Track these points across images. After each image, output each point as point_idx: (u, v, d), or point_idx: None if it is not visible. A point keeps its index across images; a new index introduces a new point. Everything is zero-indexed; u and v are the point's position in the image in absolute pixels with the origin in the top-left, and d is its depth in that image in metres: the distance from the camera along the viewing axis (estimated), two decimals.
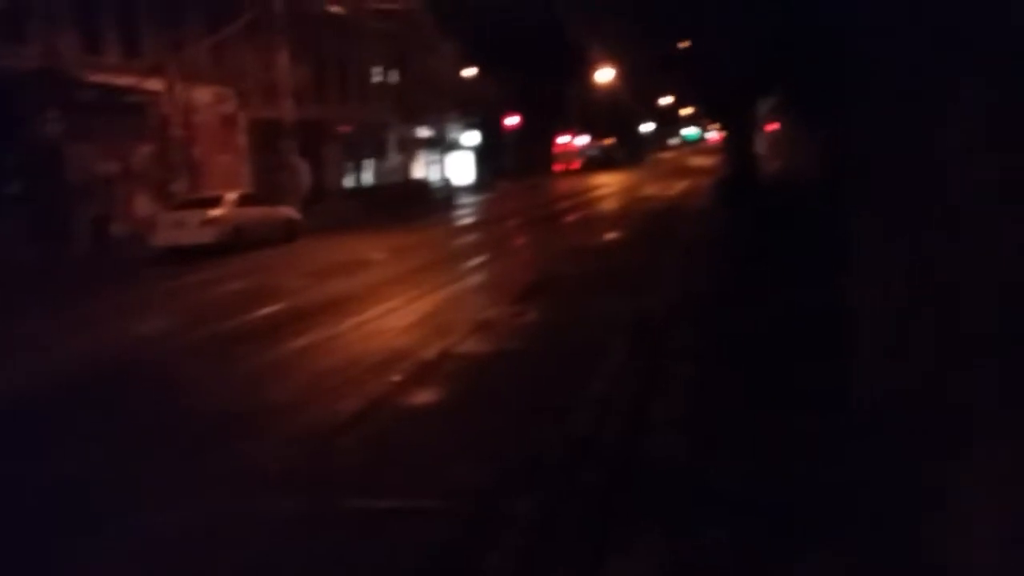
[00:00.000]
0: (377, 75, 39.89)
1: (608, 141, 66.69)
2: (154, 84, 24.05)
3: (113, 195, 23.29)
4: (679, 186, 34.59)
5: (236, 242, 18.51)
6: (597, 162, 60.65)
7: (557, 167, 59.63)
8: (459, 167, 48.41)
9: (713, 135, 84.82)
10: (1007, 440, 1.96)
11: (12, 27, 20.30)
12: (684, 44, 23.67)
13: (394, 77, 41.31)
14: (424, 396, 6.79)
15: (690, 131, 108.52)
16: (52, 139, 20.82)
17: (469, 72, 46.45)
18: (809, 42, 11.14)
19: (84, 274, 17.45)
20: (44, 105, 20.59)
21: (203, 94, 26.49)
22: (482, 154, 51.11)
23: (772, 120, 30.23)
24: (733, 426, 5.22)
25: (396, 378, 7.15)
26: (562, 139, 62.68)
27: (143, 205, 24.18)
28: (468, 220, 27.00)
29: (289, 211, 21.88)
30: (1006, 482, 1.97)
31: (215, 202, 19.35)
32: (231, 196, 20.02)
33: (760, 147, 25.91)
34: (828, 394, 4.47)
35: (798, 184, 18.48)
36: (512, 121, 52.71)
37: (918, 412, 2.26)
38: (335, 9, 32.61)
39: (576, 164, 60.67)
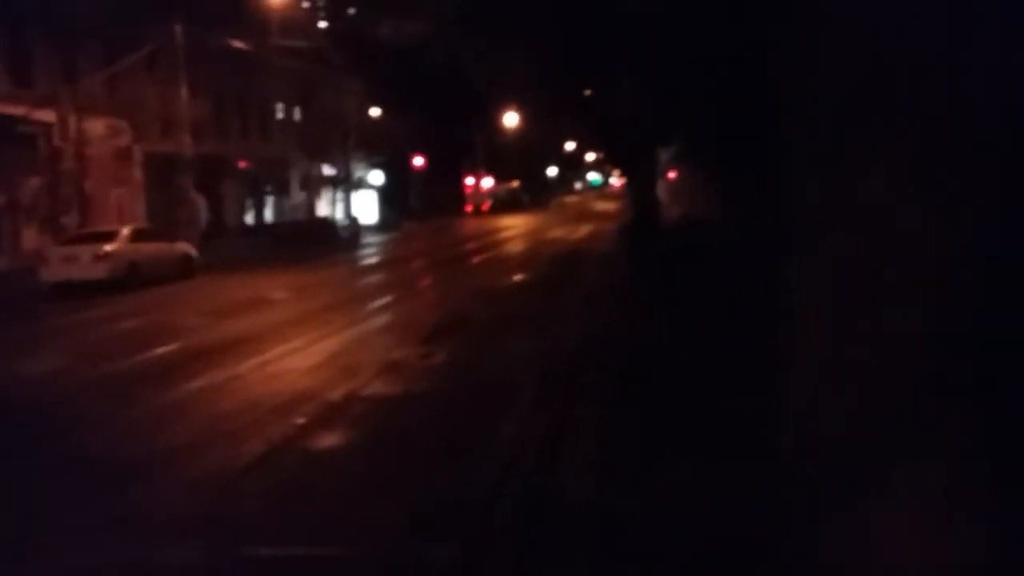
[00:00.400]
0: (281, 111, 39.41)
1: (514, 184, 67.48)
2: (46, 115, 23.13)
3: (0, 228, 22.16)
4: (584, 230, 35.20)
5: (130, 278, 17.84)
6: (505, 204, 61.45)
7: (468, 207, 60.26)
8: (365, 206, 48.07)
9: (616, 181, 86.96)
10: (931, 489, 2.04)
11: None
12: (587, 92, 24.27)
13: (298, 114, 40.89)
14: (330, 439, 6.63)
15: (594, 176, 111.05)
16: None
17: (375, 111, 46.41)
18: (710, 93, 11.60)
19: None
20: None
21: (97, 126, 25.54)
22: (388, 194, 50.93)
23: (672, 168, 31.26)
24: (646, 470, 5.26)
25: (300, 421, 6.96)
26: (470, 180, 63.37)
27: (32, 239, 23.08)
28: (373, 260, 26.77)
29: (186, 247, 21.24)
30: (927, 531, 2.05)
31: (109, 237, 18.63)
32: (125, 231, 19.32)
33: (661, 194, 26.72)
34: (742, 437, 4.58)
35: (698, 230, 19.11)
36: (418, 161, 52.81)
37: (843, 458, 2.32)
38: (238, 44, 32.15)
39: (486, 205, 61.44)
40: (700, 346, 8.06)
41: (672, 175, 32.98)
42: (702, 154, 18.13)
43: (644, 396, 6.97)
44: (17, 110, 22.02)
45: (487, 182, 65.78)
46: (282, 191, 39.77)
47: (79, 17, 24.01)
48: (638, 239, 20.81)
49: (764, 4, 5.89)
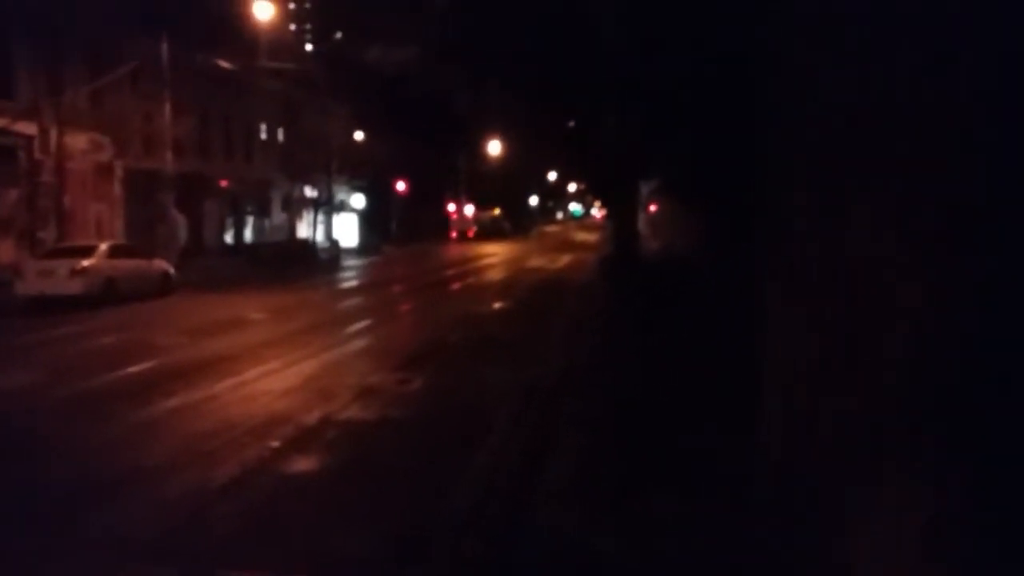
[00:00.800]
0: (264, 132, 39.42)
1: (496, 212, 67.84)
2: (27, 127, 23.01)
3: None
4: (564, 259, 35.34)
5: (107, 294, 17.67)
6: (487, 231, 62.19)
7: (452, 234, 60.69)
8: (346, 229, 48.00)
9: (597, 212, 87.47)
10: (904, 520, 2.08)
11: None
12: (571, 123, 24.50)
13: (282, 135, 40.91)
14: (304, 463, 6.60)
15: (576, 207, 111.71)
16: None
17: (359, 135, 46.50)
18: (689, 129, 11.76)
19: None
20: None
21: (78, 140, 25.44)
22: (369, 217, 50.92)
23: (653, 201, 31.52)
24: (621, 502, 5.28)
25: (275, 444, 6.94)
26: (452, 207, 63.77)
27: (8, 252, 22.85)
28: (353, 283, 26.70)
29: (164, 265, 21.10)
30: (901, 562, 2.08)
31: (86, 252, 18.45)
32: (103, 246, 19.16)
33: (642, 226, 26.92)
34: (721, 468, 4.61)
35: (678, 263, 19.27)
36: (400, 186, 52.89)
37: (817, 491, 2.36)
38: (224, 64, 32.19)
39: (472, 232, 62.14)
40: (676, 379, 8.12)
41: (653, 208, 33.27)
42: (682, 188, 18.33)
43: (620, 427, 7.00)
44: None
45: (470, 209, 66.19)
46: (263, 212, 39.69)
47: (64, 30, 23.97)
48: (618, 271, 20.93)
49: (746, 43, 6.02)
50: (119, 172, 27.79)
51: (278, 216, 41.04)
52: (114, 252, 19.10)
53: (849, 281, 2.29)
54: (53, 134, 23.76)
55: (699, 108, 10.51)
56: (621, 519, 4.91)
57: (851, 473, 2.27)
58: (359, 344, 13.03)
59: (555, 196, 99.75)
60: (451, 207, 64.11)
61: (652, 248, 26.33)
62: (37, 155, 23.66)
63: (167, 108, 26.10)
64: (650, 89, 12.60)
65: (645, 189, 26.79)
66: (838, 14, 2.44)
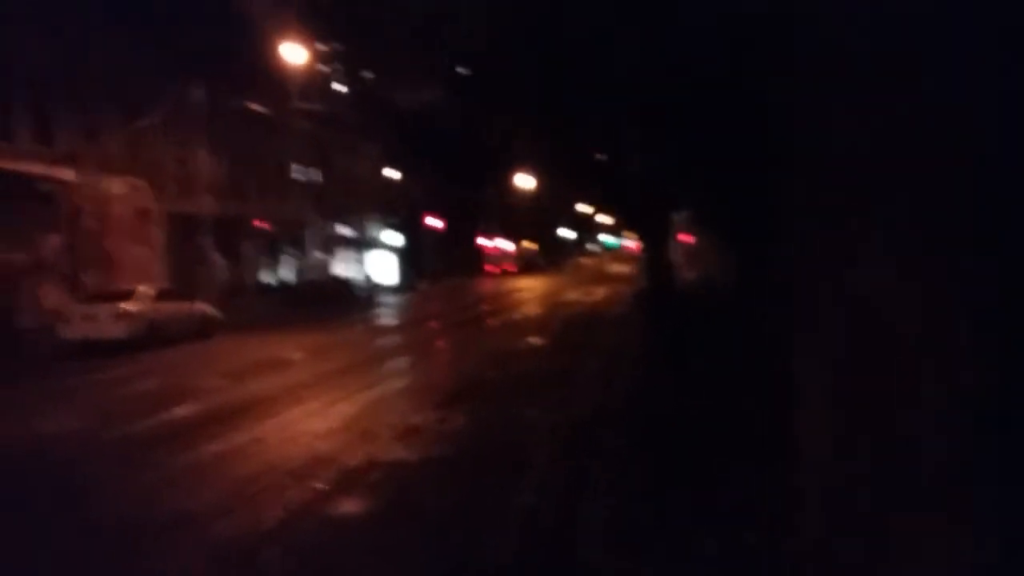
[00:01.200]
0: (298, 172, 40.06)
1: (532, 246, 68.36)
2: (66, 173, 23.58)
3: (20, 286, 22.41)
4: (599, 292, 35.30)
5: (150, 338, 17.95)
6: (525, 265, 63.52)
7: (490, 268, 61.35)
8: (380, 266, 48.44)
9: (631, 243, 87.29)
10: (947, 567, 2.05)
11: None
12: (600, 156, 24.60)
13: (315, 175, 41.53)
14: (348, 505, 6.62)
15: (609, 239, 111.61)
16: None
17: (391, 172, 47.07)
18: (721, 159, 11.76)
19: None
20: None
21: (118, 185, 26.02)
22: (403, 254, 51.35)
23: (687, 231, 31.43)
24: (661, 539, 5.24)
25: (318, 485, 6.97)
26: (489, 242, 64.47)
27: (52, 297, 23.32)
28: (390, 320, 26.87)
29: (205, 307, 21.41)
30: None
31: (129, 296, 18.80)
32: (145, 290, 19.52)
33: (676, 256, 26.82)
34: (766, 512, 4.56)
35: (714, 295, 19.13)
36: (433, 222, 53.35)
37: (848, 535, 2.34)
38: (257, 107, 32.86)
39: (511, 266, 63.13)
40: (713, 413, 8.04)
41: (687, 238, 33.17)
42: (715, 218, 18.27)
43: (660, 463, 6.95)
44: (37, 168, 22.45)
45: (506, 244, 66.93)
46: (299, 251, 40.18)
47: (100, 76, 24.61)
48: (653, 303, 20.84)
49: (773, 77, 6.03)
50: (158, 216, 28.34)
51: (314, 255, 41.52)
52: (156, 296, 19.44)
53: (871, 320, 2.28)
54: (92, 179, 24.35)
55: (726, 140, 10.52)
56: (661, 559, 4.87)
57: (888, 521, 2.24)
58: (398, 383, 13.09)
59: (588, 228, 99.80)
60: (483, 241, 64.61)
61: (687, 279, 26.18)
62: (77, 200, 24.23)
63: (203, 152, 26.65)
64: (678, 121, 12.64)
65: (677, 219, 26.71)
66: (849, 53, 2.45)
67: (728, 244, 17.14)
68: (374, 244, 48.50)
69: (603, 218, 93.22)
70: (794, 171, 2.78)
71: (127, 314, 17.89)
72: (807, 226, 2.73)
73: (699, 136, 12.00)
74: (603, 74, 13.18)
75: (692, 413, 8.43)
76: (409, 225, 51.32)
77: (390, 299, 36.76)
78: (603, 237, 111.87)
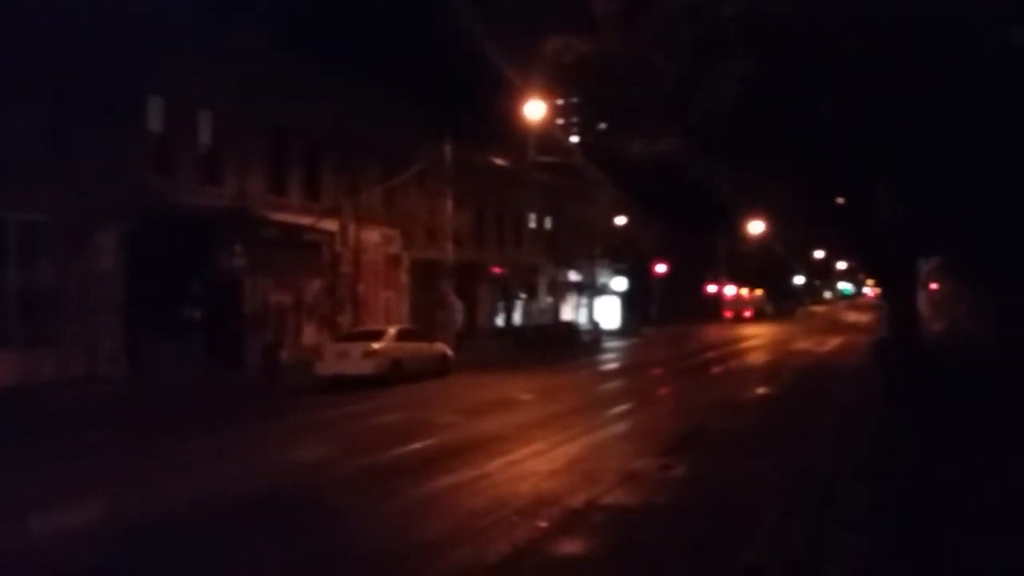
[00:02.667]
0: (533, 221, 41.60)
1: (758, 292, 66.63)
2: (330, 224, 26.11)
3: (284, 325, 24.99)
4: (833, 342, 33.49)
5: (394, 374, 19.29)
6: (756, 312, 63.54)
7: (728, 313, 61.53)
8: (607, 311, 48.90)
9: (870, 291, 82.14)
10: None
11: (210, 169, 22.77)
12: (840, 200, 23.55)
13: (548, 223, 42.92)
14: (571, 546, 6.83)
15: (845, 286, 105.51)
16: (235, 271, 22.78)
17: (621, 220, 47.61)
18: (977, 202, 10.97)
19: (252, 399, 18.57)
20: (231, 240, 22.68)
21: (372, 235, 28.51)
22: (630, 299, 51.52)
23: (934, 279, 29.18)
24: None
25: (543, 524, 7.22)
26: (720, 288, 64.11)
27: (311, 335, 25.79)
28: (614, 365, 27.06)
29: (444, 347, 22.72)
30: None
31: (377, 335, 20.38)
32: (392, 330, 21.06)
33: (922, 306, 24.95)
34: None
35: (966, 350, 17.62)
36: (660, 268, 53.17)
37: None
38: (499, 161, 34.64)
39: (749, 311, 63.22)
40: (960, 481, 7.45)
41: (934, 286, 30.76)
42: (968, 266, 16.90)
43: (895, 530, 6.56)
44: (305, 220, 25.07)
45: (744, 290, 66.49)
46: (531, 295, 41.58)
47: (362, 137, 27.14)
48: (895, 356, 19.49)
49: None
50: (406, 262, 30.63)
51: (544, 299, 42.78)
52: (400, 336, 20.91)
53: None
54: (351, 230, 26.83)
55: (986, 182, 9.85)
56: None
57: None
58: (621, 427, 13.22)
59: (822, 274, 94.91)
60: (712, 288, 63.72)
61: (934, 330, 24.26)
62: (337, 248, 26.75)
63: (448, 203, 28.51)
64: (931, 165, 11.97)
65: (925, 267, 24.89)
66: None
67: (984, 293, 15.80)
68: (602, 289, 49.12)
69: (841, 264, 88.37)
70: None
71: (375, 352, 19.37)
72: None
73: (956, 176, 11.31)
74: (847, 120, 12.77)
75: (934, 478, 7.87)
76: (637, 271, 51.51)
77: (615, 343, 36.98)
78: (840, 284, 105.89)
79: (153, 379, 18.91)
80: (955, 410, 10.67)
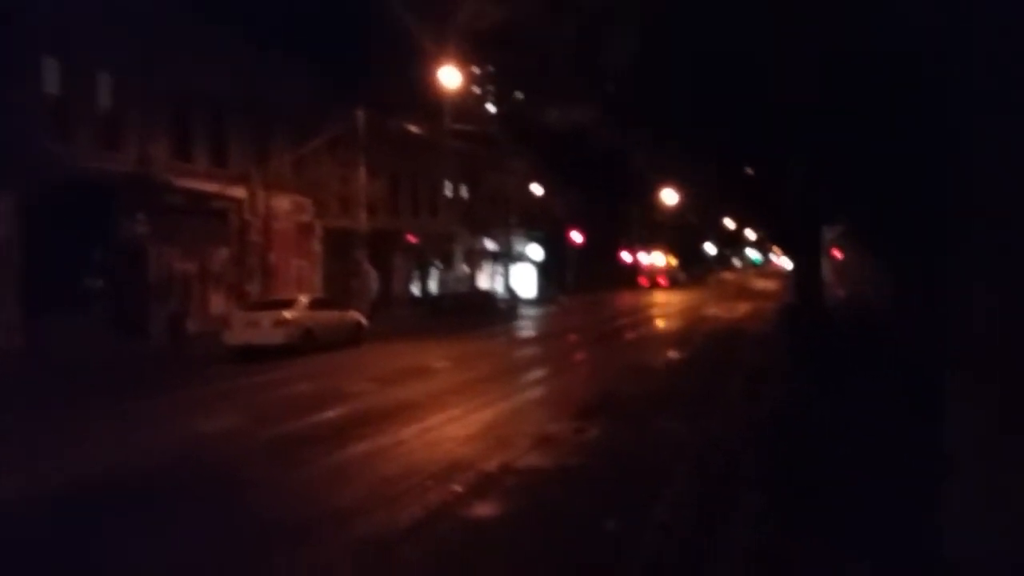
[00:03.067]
0: (448, 190, 41.31)
1: (671, 260, 68.09)
2: (237, 191, 25.34)
3: (190, 294, 24.25)
4: (742, 308, 34.43)
5: (306, 344, 18.96)
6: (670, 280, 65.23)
7: (643, 281, 62.53)
8: (523, 279, 49.12)
9: (777, 259, 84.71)
10: None
11: (110, 133, 21.78)
12: (749, 170, 24.08)
13: (464, 191, 42.69)
14: (485, 509, 6.82)
15: (754, 254, 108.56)
16: (138, 239, 21.93)
17: (536, 189, 47.73)
18: (878, 172, 11.29)
19: (158, 369, 18.01)
20: (134, 207, 21.79)
21: (283, 202, 27.79)
22: (546, 268, 51.85)
23: (838, 247, 30.20)
24: (802, 568, 5.12)
25: (457, 489, 7.21)
26: (635, 255, 65.24)
27: (218, 304, 25.09)
28: (530, 332, 27.22)
29: (357, 316, 22.42)
30: None
31: (288, 304, 19.96)
32: (303, 299, 20.66)
33: (826, 273, 25.79)
34: (905, 538, 4.40)
35: (865, 314, 18.30)
36: (576, 237, 53.62)
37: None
38: (413, 128, 34.18)
39: (664, 280, 64.58)
40: (862, 440, 7.72)
41: (838, 254, 31.88)
42: (870, 234, 17.50)
43: (799, 489, 6.75)
44: (212, 187, 24.27)
45: (658, 258, 67.81)
46: (446, 264, 41.40)
47: (271, 103, 26.36)
48: (800, 321, 20.14)
49: (937, 83, 5.81)
50: (318, 231, 30.01)
51: (460, 268, 42.67)
52: (313, 305, 20.53)
53: None
54: (260, 197, 26.09)
55: (888, 153, 10.11)
56: None
57: None
58: (535, 393, 13.30)
59: (732, 243, 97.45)
60: (627, 256, 64.71)
61: (837, 296, 25.15)
62: (246, 216, 26.00)
63: (362, 171, 28.00)
64: (837, 136, 12.24)
65: (829, 234, 25.71)
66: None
67: (884, 260, 16.38)
68: (518, 258, 49.27)
69: (750, 233, 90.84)
70: (964, 180, 2.71)
71: (286, 321, 18.98)
72: (971, 238, 2.64)
73: (858, 144, 11.59)
74: (756, 89, 12.96)
75: (835, 440, 8.13)
76: (552, 239, 51.81)
77: (531, 311, 37.19)
78: (749, 252, 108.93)
79: (54, 351, 18.09)
80: (855, 373, 11.06)
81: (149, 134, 22.84)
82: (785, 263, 64.89)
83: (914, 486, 5.28)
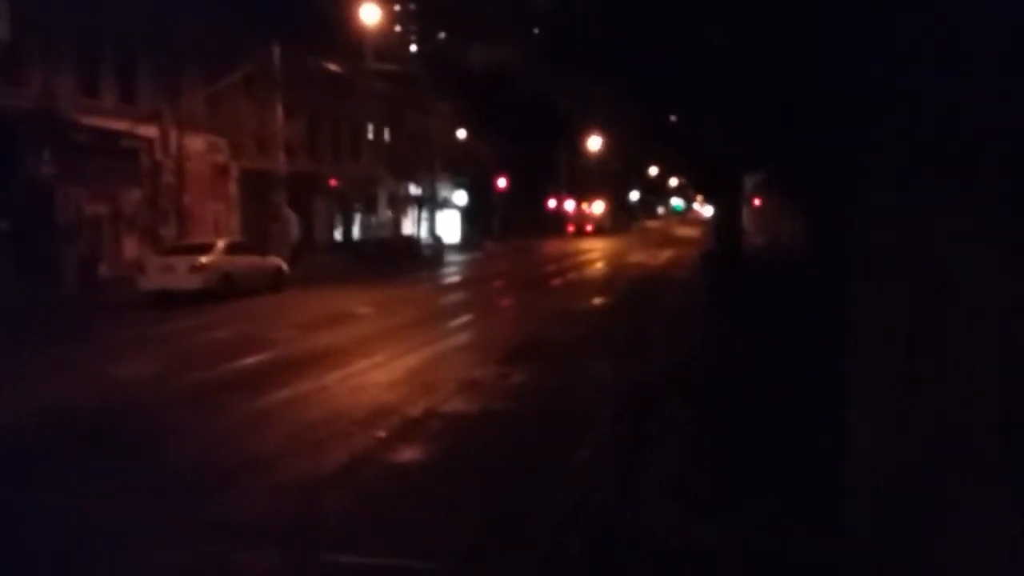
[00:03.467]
0: (371, 132, 40.48)
1: (599, 207, 68.70)
2: (148, 130, 24.28)
3: (101, 237, 23.31)
4: (665, 255, 34.99)
5: (224, 289, 18.48)
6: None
7: (571, 228, 63.16)
8: (448, 225, 48.84)
9: (699, 207, 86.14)
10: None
11: (11, 67, 20.54)
12: (673, 117, 24.25)
13: (387, 135, 41.91)
14: (409, 453, 6.80)
15: (677, 202, 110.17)
16: (44, 179, 20.90)
17: (461, 133, 47.22)
18: (801, 119, 11.45)
19: (69, 315, 17.33)
20: (38, 145, 20.71)
21: (196, 143, 26.73)
22: (471, 214, 51.63)
23: (758, 195, 30.83)
24: (719, 500, 5.26)
25: (381, 434, 7.15)
26: (561, 202, 65.59)
27: (131, 249, 24.20)
28: (455, 278, 27.14)
29: (278, 261, 21.94)
30: None
31: (205, 249, 19.36)
32: (221, 244, 20.07)
33: (746, 221, 26.31)
34: (820, 471, 4.54)
35: (782, 259, 18.78)
36: (501, 183, 53.44)
37: (903, 493, 2.33)
38: (333, 67, 33.20)
39: (591, 227, 65.38)
40: (778, 378, 7.95)
41: (757, 202, 32.55)
42: (787, 182, 17.86)
43: (720, 426, 6.93)
44: (121, 125, 23.18)
45: (587, 206, 68.48)
46: (370, 209, 40.78)
47: (182, 38, 25.21)
48: (720, 267, 20.56)
49: (851, 33, 5.84)
50: (234, 173, 29.06)
51: (384, 213, 42.11)
52: (231, 249, 19.97)
53: (934, 288, 2.23)
54: (173, 137, 25.05)
55: (802, 101, 10.23)
56: (720, 516, 4.90)
57: (943, 486, 2.22)
58: (461, 338, 13.27)
59: (656, 191, 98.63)
60: (553, 203, 64.93)
61: (756, 244, 25.73)
62: (158, 157, 24.97)
63: (279, 111, 27.13)
64: (756, 83, 12.34)
65: (750, 183, 26.18)
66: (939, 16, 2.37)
67: (799, 206, 16.77)
68: (443, 203, 48.88)
69: (673, 181, 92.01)
70: (870, 128, 2.71)
71: (203, 266, 18.44)
72: (879, 187, 2.66)
73: (778, 94, 11.70)
74: (678, 36, 12.95)
75: (752, 378, 8.36)
76: (478, 185, 51.52)
77: (457, 258, 37.07)
78: (672, 201, 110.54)
79: None
80: (771, 315, 11.36)
81: (53, 68, 21.62)
82: (707, 211, 66.09)
83: (821, 416, 5.46)
